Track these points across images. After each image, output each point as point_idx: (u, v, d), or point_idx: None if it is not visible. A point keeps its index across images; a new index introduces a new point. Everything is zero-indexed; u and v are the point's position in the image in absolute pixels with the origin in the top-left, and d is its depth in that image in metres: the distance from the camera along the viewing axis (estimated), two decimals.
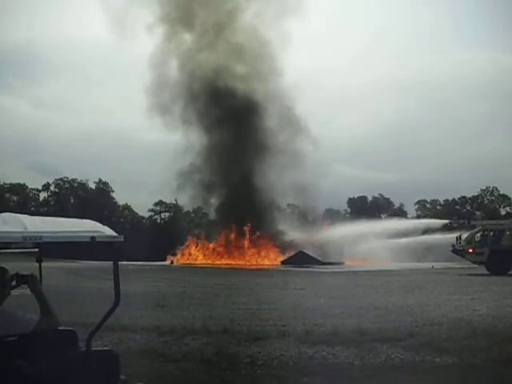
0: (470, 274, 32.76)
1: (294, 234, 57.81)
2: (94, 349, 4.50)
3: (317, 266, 46.14)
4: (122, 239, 4.39)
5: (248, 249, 57.11)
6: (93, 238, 4.26)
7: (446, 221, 46.89)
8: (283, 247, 55.97)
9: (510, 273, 34.11)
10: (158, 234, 65.60)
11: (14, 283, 4.59)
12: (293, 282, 27.46)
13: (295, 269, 42.17)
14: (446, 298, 19.40)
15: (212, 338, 11.57)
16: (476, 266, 36.98)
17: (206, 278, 32.13)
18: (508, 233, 36.65)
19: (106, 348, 4.65)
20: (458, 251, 38.36)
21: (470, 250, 37.04)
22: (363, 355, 9.99)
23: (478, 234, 37.85)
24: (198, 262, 54.31)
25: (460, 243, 38.27)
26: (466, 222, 44.59)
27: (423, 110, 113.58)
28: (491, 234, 37.45)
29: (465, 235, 38.71)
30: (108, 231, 4.44)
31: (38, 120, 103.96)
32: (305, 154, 57.79)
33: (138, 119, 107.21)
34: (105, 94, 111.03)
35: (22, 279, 4.58)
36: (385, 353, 10.15)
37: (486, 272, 34.52)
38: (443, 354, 9.92)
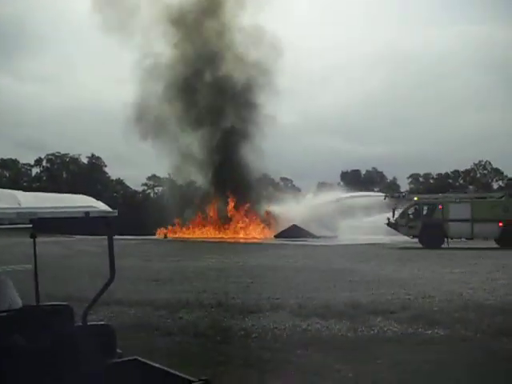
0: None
1: (286, 207, 57.96)
2: (89, 323, 4.53)
3: (310, 240, 46.35)
4: (116, 214, 4.38)
5: (240, 223, 57.29)
6: (87, 213, 4.25)
7: (382, 195, 47.20)
8: (276, 221, 56.18)
9: (443, 246, 35.08)
10: (151, 208, 65.47)
11: None
12: (286, 256, 27.59)
13: (288, 242, 42.34)
14: (437, 271, 19.55)
15: (206, 312, 11.68)
16: (410, 239, 37.89)
17: (199, 252, 32.22)
18: (441, 207, 37.30)
19: (101, 322, 4.67)
20: (392, 225, 39.06)
21: (403, 224, 37.77)
22: (356, 328, 10.12)
23: (412, 208, 38.46)
24: (190, 236, 54.51)
25: (394, 217, 38.98)
26: (402, 195, 44.94)
27: (416, 83, 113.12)
28: (425, 207, 38.20)
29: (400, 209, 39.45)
30: (102, 206, 4.43)
31: (24, 95, 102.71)
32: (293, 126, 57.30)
33: (126, 93, 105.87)
34: (91, 68, 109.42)
35: None
36: (377, 325, 10.28)
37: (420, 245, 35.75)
38: (435, 327, 10.06)
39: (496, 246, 34.80)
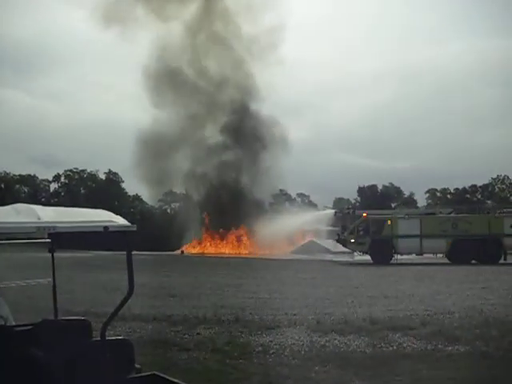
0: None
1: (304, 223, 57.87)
2: (108, 338, 4.51)
3: (327, 256, 46.02)
4: (135, 229, 4.37)
5: (257, 239, 57.23)
6: (106, 227, 4.25)
7: (333, 211, 47.40)
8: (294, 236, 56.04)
9: (392, 262, 35.06)
10: (168, 224, 65.64)
11: None
12: (303, 272, 27.45)
13: (305, 258, 42.12)
14: (456, 287, 19.33)
15: (224, 328, 11.62)
16: (360, 255, 38.11)
17: (217, 268, 32.17)
18: (389, 223, 37.22)
19: (120, 337, 4.66)
20: (341, 241, 38.99)
21: (352, 240, 37.65)
22: (375, 344, 10.01)
23: (362, 224, 38.25)
24: (207, 252, 54.44)
25: (344, 233, 38.90)
26: (351, 211, 44.81)
27: (433, 96, 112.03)
28: (373, 223, 37.97)
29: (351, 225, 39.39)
30: (121, 221, 4.43)
31: (40, 112, 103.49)
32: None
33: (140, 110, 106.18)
34: (108, 84, 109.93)
35: None
36: (396, 341, 10.16)
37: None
38: (455, 343, 9.91)
39: (447, 261, 34.83)
